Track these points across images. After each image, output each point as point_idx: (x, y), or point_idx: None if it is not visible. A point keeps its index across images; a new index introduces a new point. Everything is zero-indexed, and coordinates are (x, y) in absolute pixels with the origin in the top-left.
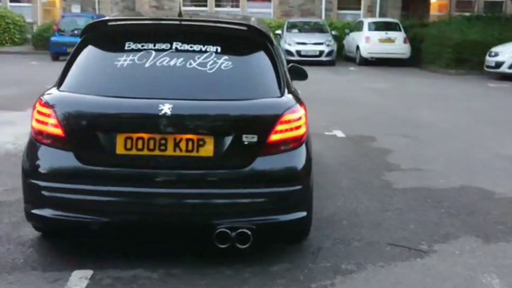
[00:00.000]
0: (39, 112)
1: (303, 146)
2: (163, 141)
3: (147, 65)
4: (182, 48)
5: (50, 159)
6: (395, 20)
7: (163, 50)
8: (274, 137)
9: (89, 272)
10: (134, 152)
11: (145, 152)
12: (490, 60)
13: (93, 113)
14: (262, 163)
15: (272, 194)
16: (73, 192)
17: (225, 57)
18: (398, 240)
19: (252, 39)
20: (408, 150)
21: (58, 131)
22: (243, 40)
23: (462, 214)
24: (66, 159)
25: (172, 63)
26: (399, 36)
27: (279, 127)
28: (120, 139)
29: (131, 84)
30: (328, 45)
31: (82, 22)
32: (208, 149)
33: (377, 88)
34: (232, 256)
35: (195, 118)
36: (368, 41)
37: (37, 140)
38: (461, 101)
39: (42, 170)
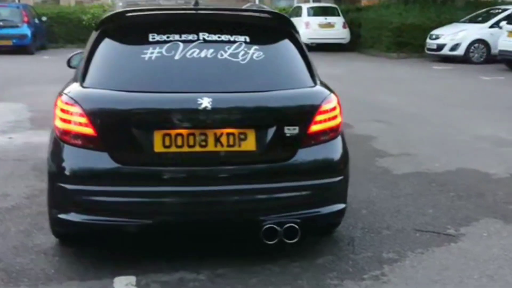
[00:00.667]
0: (65, 111)
1: (340, 136)
2: (203, 137)
3: (177, 57)
4: (210, 39)
5: (82, 160)
6: (334, 5)
7: (190, 41)
8: (314, 128)
9: (131, 278)
10: (173, 149)
11: (185, 149)
12: (431, 43)
13: (128, 110)
14: (304, 155)
15: (315, 187)
16: (109, 194)
17: (255, 47)
18: (423, 225)
19: (278, 27)
20: (389, 135)
21: (89, 131)
22: (270, 28)
23: (472, 196)
24: (101, 160)
25: (202, 54)
26: (338, 21)
27: (318, 118)
28: (158, 137)
29: (164, 78)
30: None
31: (6, 13)
32: (250, 143)
33: (332, 74)
34: (269, 253)
35: (236, 111)
36: (308, 27)
37: (64, 140)
38: (414, 84)
39: (73, 173)
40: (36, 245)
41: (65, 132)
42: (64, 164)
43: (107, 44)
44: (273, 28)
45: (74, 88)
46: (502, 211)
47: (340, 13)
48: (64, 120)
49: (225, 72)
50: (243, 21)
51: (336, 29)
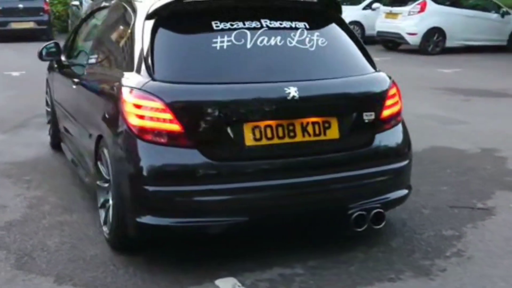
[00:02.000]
0: (143, 107)
1: (402, 120)
2: (291, 127)
3: (248, 46)
4: (272, 25)
5: (171, 159)
6: None
7: (255, 28)
8: (385, 112)
9: (231, 280)
10: (264, 142)
11: (275, 140)
12: None
13: (216, 102)
14: (381, 140)
15: (391, 171)
16: (202, 193)
17: (316, 33)
18: (451, 202)
19: (328, 12)
20: None
21: (175, 127)
22: (322, 13)
23: (468, 172)
24: (192, 158)
25: (272, 42)
26: None
27: (388, 102)
28: (247, 129)
29: (242, 68)
30: None
31: None
32: (334, 131)
33: None
34: (337, 242)
35: (320, 99)
36: None
37: (143, 139)
38: None
39: (161, 173)
40: (94, 256)
41: (145, 130)
42: (147, 165)
43: (168, 33)
44: (325, 13)
45: (143, 81)
46: (505, 183)
47: None
48: (141, 117)
49: (299, 60)
50: (297, 6)
51: None
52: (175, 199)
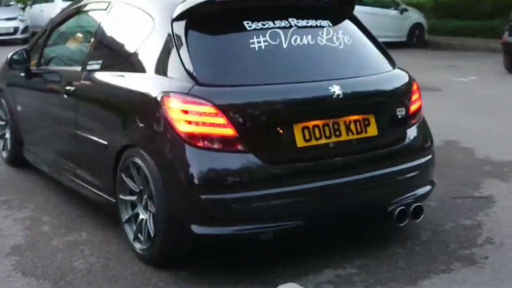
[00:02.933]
0: (192, 112)
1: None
2: (336, 126)
3: (285, 45)
4: (300, 24)
5: (226, 165)
6: None
7: (285, 27)
8: (413, 107)
9: (293, 285)
10: (313, 142)
11: (323, 140)
12: None
13: (268, 104)
14: (411, 136)
15: (420, 166)
16: (260, 199)
17: (340, 30)
18: (451, 193)
19: (343, 10)
20: None
21: (229, 131)
22: (338, 11)
23: (447, 164)
24: (248, 162)
25: (305, 41)
26: None
27: (413, 97)
28: (297, 130)
29: (284, 68)
30: (22, 20)
31: None
32: (373, 128)
33: None
34: (370, 240)
35: (360, 97)
36: None
37: (196, 146)
38: None
39: (217, 181)
40: (134, 274)
41: (196, 136)
42: (202, 173)
43: (202, 35)
44: (341, 11)
45: (188, 86)
46: (488, 173)
47: None
48: (191, 123)
49: (334, 58)
50: (317, 4)
51: None
52: (232, 207)
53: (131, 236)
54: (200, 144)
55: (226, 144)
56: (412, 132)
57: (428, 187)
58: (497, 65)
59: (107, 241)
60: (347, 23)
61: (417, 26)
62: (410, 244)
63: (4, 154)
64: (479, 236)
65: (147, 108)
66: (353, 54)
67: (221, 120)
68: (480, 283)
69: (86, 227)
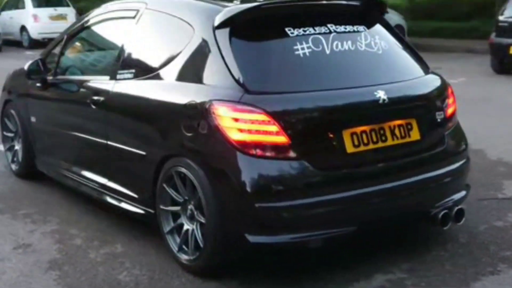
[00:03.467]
0: (244, 120)
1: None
2: (382, 131)
3: (327, 51)
4: (339, 30)
5: (281, 173)
6: None
7: (325, 33)
8: (449, 111)
9: None
10: (362, 148)
11: (371, 146)
12: None
13: (318, 110)
14: (450, 139)
15: (458, 170)
16: (315, 206)
17: (376, 36)
18: (475, 195)
19: (376, 14)
20: None
21: (282, 139)
22: (372, 16)
23: None
24: (302, 170)
25: (346, 47)
26: (69, 12)
27: (449, 101)
28: (346, 136)
29: (330, 74)
30: None
31: None
32: (415, 133)
33: None
34: (401, 243)
35: (403, 101)
36: (36, 20)
37: (249, 154)
38: None
39: (272, 189)
40: (183, 285)
41: (249, 144)
42: (257, 181)
43: (246, 42)
44: (373, 15)
45: (238, 94)
46: (505, 174)
47: (70, 3)
48: (244, 131)
49: (375, 63)
50: (352, 9)
51: (69, 21)
52: (287, 214)
53: (175, 247)
54: (253, 152)
55: (278, 151)
56: (450, 136)
57: (464, 191)
58: (482, 65)
59: (145, 252)
60: (380, 28)
61: (397, 27)
62: (451, 247)
63: (14, 166)
64: None
65: (194, 117)
66: (391, 59)
67: (274, 127)
68: None
69: (119, 239)
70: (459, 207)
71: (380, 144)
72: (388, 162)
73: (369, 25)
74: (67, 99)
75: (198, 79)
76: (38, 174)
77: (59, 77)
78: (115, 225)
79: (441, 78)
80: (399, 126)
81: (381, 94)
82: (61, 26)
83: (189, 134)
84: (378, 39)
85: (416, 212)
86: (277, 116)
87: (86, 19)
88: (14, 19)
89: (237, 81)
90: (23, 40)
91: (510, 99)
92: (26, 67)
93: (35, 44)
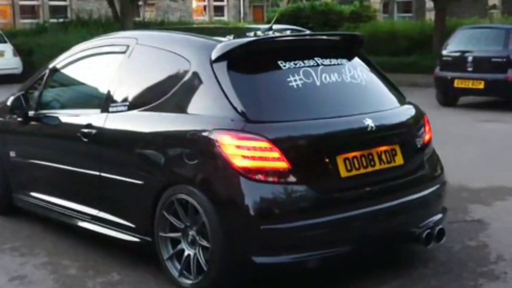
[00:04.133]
0: (247, 148)
1: None
2: (370, 156)
3: (317, 83)
4: (325, 63)
5: (283, 196)
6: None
7: (314, 66)
8: (426, 137)
9: None
10: (354, 172)
11: (362, 170)
12: None
13: (315, 137)
14: (429, 163)
15: (436, 192)
16: (314, 227)
17: (358, 68)
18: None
19: (354, 48)
20: None
21: (283, 165)
22: (351, 50)
23: None
24: (302, 193)
25: (333, 78)
26: (7, 48)
27: (426, 128)
28: (340, 161)
29: (322, 103)
30: None
31: None
32: (399, 158)
33: None
34: (381, 265)
35: (388, 129)
36: None
37: (253, 179)
38: None
39: (275, 212)
40: None
41: (252, 170)
42: (261, 204)
43: (243, 75)
44: (352, 49)
45: (240, 123)
46: (468, 199)
47: (7, 39)
48: (246, 157)
49: (360, 94)
50: (334, 44)
51: (6, 58)
52: (290, 235)
53: (175, 273)
54: (256, 177)
55: (280, 176)
56: (428, 161)
57: (442, 213)
58: (427, 98)
59: (143, 280)
60: (361, 62)
61: None
62: (433, 265)
63: None
64: (489, 254)
65: (196, 145)
66: (374, 89)
67: (275, 154)
68: None
69: (113, 267)
70: (440, 227)
71: (370, 169)
72: (377, 185)
73: (350, 58)
74: (53, 132)
75: (197, 110)
76: (14, 209)
77: (43, 111)
78: (106, 255)
79: (417, 107)
80: (385, 151)
81: (369, 122)
82: None
83: (192, 162)
84: (360, 71)
85: (403, 232)
86: (277, 143)
87: (70, 53)
88: None
89: (237, 111)
90: None
91: (458, 130)
92: (9, 103)
93: None
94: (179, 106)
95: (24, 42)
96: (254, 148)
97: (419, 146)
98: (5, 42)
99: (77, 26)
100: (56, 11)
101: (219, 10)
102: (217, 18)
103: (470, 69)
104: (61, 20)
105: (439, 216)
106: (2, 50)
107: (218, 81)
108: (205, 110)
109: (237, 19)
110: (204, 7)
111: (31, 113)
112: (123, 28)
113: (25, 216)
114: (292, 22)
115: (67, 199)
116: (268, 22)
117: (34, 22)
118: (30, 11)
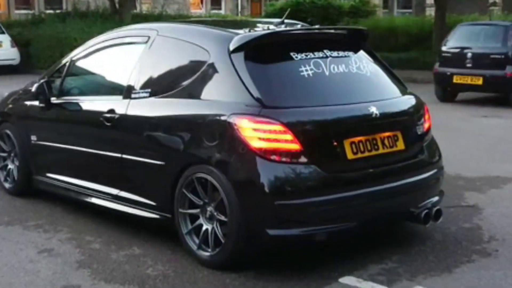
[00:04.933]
0: (264, 130)
1: None
2: (374, 141)
3: (327, 73)
4: (333, 55)
5: (296, 175)
6: None
7: (323, 57)
8: (426, 125)
9: (351, 279)
10: (359, 155)
11: (366, 153)
12: None
13: (325, 122)
14: (428, 149)
15: (436, 176)
16: (323, 204)
17: (363, 60)
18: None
19: (360, 41)
20: None
21: (295, 146)
22: (357, 43)
23: None
24: (312, 173)
25: (340, 69)
26: (5, 39)
27: (426, 116)
28: (347, 145)
29: (331, 92)
30: None
31: None
32: (401, 143)
33: None
34: (382, 242)
35: (391, 116)
36: None
37: (269, 159)
38: None
39: (288, 189)
40: (208, 276)
41: (268, 151)
42: (276, 182)
43: (259, 64)
44: (358, 42)
45: (257, 109)
46: (464, 187)
47: (4, 30)
48: (264, 140)
49: (366, 83)
50: (340, 37)
51: (5, 49)
52: (301, 211)
53: (194, 246)
54: (271, 157)
55: (292, 157)
56: (427, 147)
57: (439, 196)
58: (426, 94)
59: (162, 252)
60: (366, 54)
61: None
62: (430, 244)
63: (7, 185)
64: (482, 235)
65: (215, 128)
66: (378, 80)
67: (289, 136)
68: (500, 268)
69: (134, 242)
70: (437, 207)
71: (373, 152)
72: (380, 167)
73: (356, 51)
74: (75, 117)
75: (216, 97)
76: (32, 192)
77: (65, 97)
78: (126, 231)
79: (418, 97)
80: (388, 137)
81: (374, 110)
82: None
83: (211, 144)
84: (365, 63)
85: (403, 211)
86: (290, 127)
87: (91, 43)
88: None
89: (254, 97)
90: None
91: (456, 124)
92: (33, 89)
93: None
94: (198, 92)
95: (21, 32)
96: (270, 131)
97: (419, 133)
98: (3, 33)
99: (75, 17)
100: (51, 2)
101: (216, 3)
102: (215, 11)
103: (469, 65)
104: (58, 11)
105: (437, 198)
106: (0, 41)
107: (236, 70)
108: (223, 97)
109: (234, 13)
110: (201, 0)
111: (53, 99)
112: (121, 20)
113: (45, 198)
114: (291, 16)
115: (87, 179)
116: (266, 16)
117: (29, 13)
118: (24, 1)
